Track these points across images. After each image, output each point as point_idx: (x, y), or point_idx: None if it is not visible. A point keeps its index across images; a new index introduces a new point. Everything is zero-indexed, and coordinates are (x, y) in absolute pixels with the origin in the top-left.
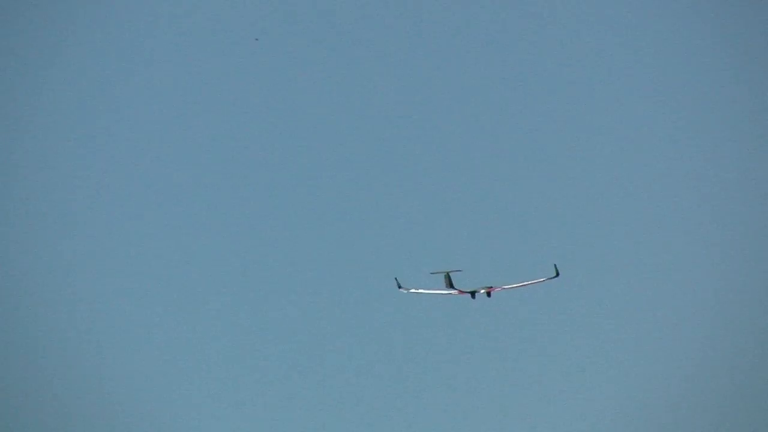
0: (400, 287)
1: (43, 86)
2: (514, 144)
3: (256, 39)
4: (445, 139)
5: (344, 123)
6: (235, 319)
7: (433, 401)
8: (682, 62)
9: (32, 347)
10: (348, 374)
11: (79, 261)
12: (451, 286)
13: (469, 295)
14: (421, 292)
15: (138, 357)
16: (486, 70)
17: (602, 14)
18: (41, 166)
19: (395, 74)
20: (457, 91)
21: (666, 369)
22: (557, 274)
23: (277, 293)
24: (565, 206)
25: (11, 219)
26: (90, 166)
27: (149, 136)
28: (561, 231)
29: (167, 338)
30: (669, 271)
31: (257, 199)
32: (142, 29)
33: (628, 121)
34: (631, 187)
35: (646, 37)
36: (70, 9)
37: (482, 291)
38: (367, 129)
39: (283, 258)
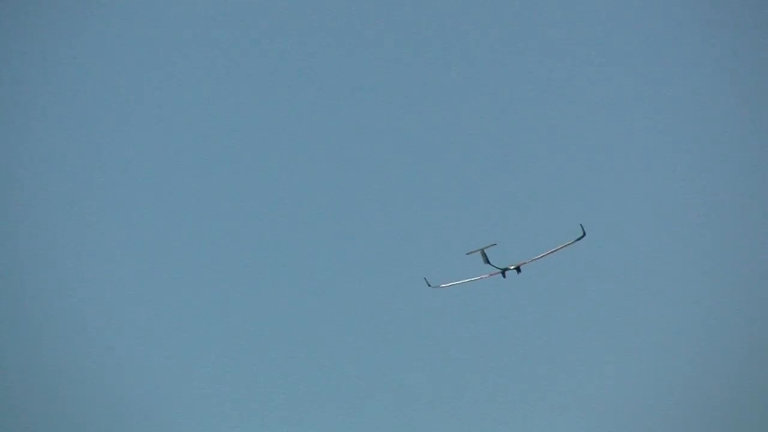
0: (429, 285)
1: (42, 86)
2: (523, 115)
3: None
4: (454, 121)
5: (350, 114)
6: (251, 323)
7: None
8: (683, 61)
9: (33, 347)
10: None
11: (80, 261)
12: (487, 262)
13: (500, 273)
14: (453, 285)
15: (137, 357)
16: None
17: (602, 14)
18: (41, 165)
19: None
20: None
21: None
22: (584, 234)
23: (297, 300)
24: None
25: (11, 219)
26: (89, 166)
27: (148, 135)
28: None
29: (172, 337)
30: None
31: (270, 197)
32: (141, 28)
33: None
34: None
35: (646, 36)
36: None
37: (512, 268)
38: (372, 120)
39: (296, 261)
